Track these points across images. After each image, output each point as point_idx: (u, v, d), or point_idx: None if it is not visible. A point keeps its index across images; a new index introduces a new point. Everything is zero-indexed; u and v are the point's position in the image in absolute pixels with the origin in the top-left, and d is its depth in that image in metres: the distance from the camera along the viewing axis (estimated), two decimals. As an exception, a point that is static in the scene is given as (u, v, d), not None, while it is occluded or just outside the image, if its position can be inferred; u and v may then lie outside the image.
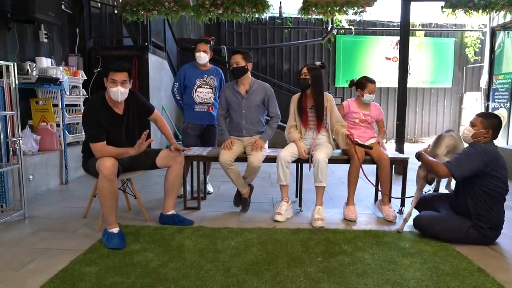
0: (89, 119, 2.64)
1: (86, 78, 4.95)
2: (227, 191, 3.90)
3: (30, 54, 4.38)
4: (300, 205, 3.44)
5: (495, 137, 2.61)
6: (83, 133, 2.81)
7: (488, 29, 6.81)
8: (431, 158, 2.70)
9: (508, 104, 6.10)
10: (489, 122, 2.58)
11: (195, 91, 3.63)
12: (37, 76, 3.90)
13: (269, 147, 3.44)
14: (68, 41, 5.28)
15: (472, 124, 2.63)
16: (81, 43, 5.43)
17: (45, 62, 4.40)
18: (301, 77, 3.14)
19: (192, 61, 3.72)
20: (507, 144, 5.78)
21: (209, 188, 3.96)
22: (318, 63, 3.24)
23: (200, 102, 3.64)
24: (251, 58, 3.30)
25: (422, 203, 3.01)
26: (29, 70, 3.94)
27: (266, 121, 3.43)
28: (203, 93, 3.64)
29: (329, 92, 3.32)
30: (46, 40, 4.60)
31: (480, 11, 4.89)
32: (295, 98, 3.28)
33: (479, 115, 2.68)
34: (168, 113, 6.81)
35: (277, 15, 8.36)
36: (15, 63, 3.05)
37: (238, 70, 3.23)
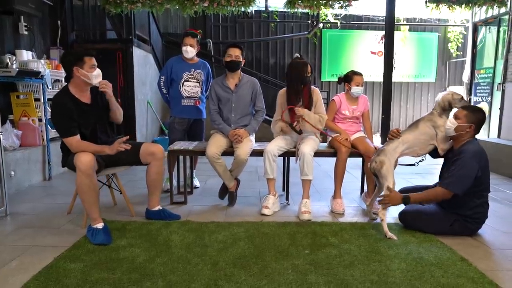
0: (58, 113, 2.61)
1: (68, 71, 4.84)
2: (214, 185, 3.88)
3: (9, 47, 4.25)
4: (287, 198, 3.45)
5: (478, 132, 2.58)
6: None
7: (470, 24, 6.92)
8: (422, 194, 2.60)
9: (490, 98, 6.23)
10: (474, 116, 2.53)
11: (182, 85, 3.59)
12: (17, 69, 3.79)
13: (256, 141, 3.44)
14: (50, 33, 5.14)
15: (456, 117, 2.58)
16: (63, 35, 5.29)
17: (26, 55, 4.28)
18: (306, 74, 3.12)
19: (179, 54, 3.67)
20: (488, 137, 5.91)
21: (196, 182, 3.94)
22: (297, 55, 3.29)
23: (188, 96, 3.61)
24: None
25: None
26: (9, 63, 3.83)
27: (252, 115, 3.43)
28: (190, 87, 3.61)
29: (315, 86, 3.33)
30: (26, 32, 4.47)
31: (463, 6, 4.97)
32: (282, 93, 3.28)
33: (464, 107, 2.61)
34: (154, 107, 6.73)
35: (263, 8, 8.32)
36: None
37: (235, 63, 3.25)
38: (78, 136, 2.60)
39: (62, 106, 2.59)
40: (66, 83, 2.74)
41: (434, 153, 2.84)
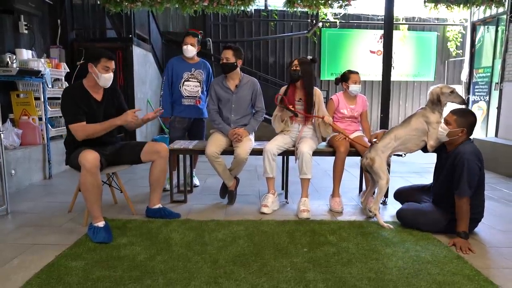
0: (67, 102, 2.68)
1: (68, 70, 4.86)
2: (214, 184, 3.91)
3: (9, 46, 4.26)
4: (286, 197, 3.48)
5: (471, 134, 2.57)
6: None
7: (469, 24, 6.94)
8: (460, 220, 2.46)
9: (488, 97, 6.25)
10: (464, 121, 2.51)
11: (183, 85, 3.62)
12: (17, 68, 3.81)
13: (255, 140, 3.46)
14: (50, 32, 5.15)
15: (447, 122, 2.55)
16: (63, 34, 5.30)
17: (26, 54, 4.30)
18: (292, 68, 3.15)
19: (179, 54, 3.69)
20: (486, 136, 5.94)
21: (196, 181, 3.96)
22: (309, 57, 3.28)
23: (188, 96, 3.63)
24: (242, 55, 3.32)
25: (403, 195, 3.09)
26: (9, 62, 3.84)
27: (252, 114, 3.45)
28: (191, 87, 3.63)
29: (316, 86, 3.34)
30: (26, 31, 4.48)
31: (461, 5, 4.98)
32: (283, 90, 3.30)
33: (453, 112, 2.56)
34: (153, 106, 6.74)
35: (263, 7, 8.33)
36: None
37: (227, 66, 3.26)
38: (84, 122, 2.66)
39: (71, 97, 2.68)
40: (66, 81, 2.78)
41: (425, 148, 2.83)
